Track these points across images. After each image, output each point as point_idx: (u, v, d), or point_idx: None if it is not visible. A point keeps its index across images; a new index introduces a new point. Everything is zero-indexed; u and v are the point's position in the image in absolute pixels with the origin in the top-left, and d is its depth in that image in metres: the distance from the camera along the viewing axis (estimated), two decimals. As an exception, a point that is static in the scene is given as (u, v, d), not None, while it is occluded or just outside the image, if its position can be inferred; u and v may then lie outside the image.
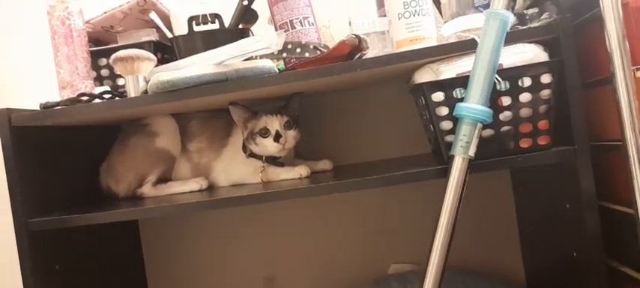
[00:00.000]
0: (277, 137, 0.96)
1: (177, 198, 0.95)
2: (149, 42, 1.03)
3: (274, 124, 0.97)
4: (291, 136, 0.98)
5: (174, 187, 1.01)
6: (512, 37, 0.78)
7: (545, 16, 0.84)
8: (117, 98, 0.93)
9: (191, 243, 1.24)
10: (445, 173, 0.74)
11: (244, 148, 1.00)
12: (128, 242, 1.23)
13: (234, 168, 1.02)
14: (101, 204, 0.96)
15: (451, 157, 0.74)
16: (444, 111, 0.80)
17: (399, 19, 0.85)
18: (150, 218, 1.24)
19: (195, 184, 1.00)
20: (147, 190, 1.00)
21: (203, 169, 1.04)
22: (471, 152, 0.73)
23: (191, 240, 1.24)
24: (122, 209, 0.88)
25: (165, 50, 1.06)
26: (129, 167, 1.02)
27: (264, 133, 0.96)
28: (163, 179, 1.02)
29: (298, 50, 0.92)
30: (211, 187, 1.03)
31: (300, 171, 0.96)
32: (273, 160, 0.99)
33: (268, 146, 0.96)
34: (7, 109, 0.87)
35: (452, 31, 0.85)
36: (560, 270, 0.96)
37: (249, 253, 1.23)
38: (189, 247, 1.25)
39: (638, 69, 0.73)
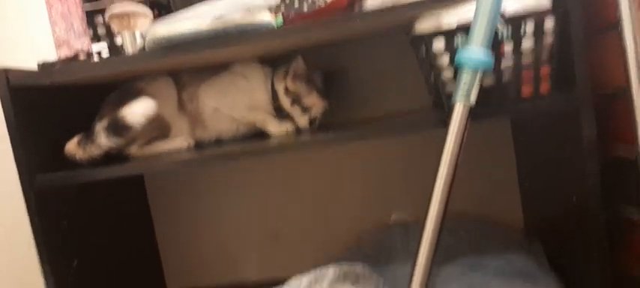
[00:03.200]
0: None
1: (180, 154, 0.96)
2: (145, -1, 1.01)
3: None
4: None
5: (161, 146, 1.00)
6: (515, -18, 0.76)
7: (548, -41, 0.81)
8: (114, 56, 0.92)
9: (197, 196, 1.26)
10: (444, 123, 0.74)
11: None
12: (135, 198, 1.24)
13: (230, 89, 1.02)
14: (105, 161, 0.97)
15: (452, 106, 0.74)
16: (445, 61, 0.80)
17: (399, -34, 0.83)
18: (155, 173, 1.26)
19: (183, 142, 1.00)
20: (134, 150, 0.99)
21: (192, 95, 1.02)
22: (472, 99, 0.73)
23: (197, 193, 1.26)
24: (125, 164, 0.88)
25: (162, 9, 1.04)
26: None
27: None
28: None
29: (296, 4, 0.91)
30: (210, 143, 1.02)
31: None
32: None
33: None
34: (4, 69, 0.86)
35: (453, -23, 0.83)
36: (559, 215, 0.97)
37: (254, 206, 1.25)
38: (195, 200, 1.26)
39: (644, 13, 0.72)
